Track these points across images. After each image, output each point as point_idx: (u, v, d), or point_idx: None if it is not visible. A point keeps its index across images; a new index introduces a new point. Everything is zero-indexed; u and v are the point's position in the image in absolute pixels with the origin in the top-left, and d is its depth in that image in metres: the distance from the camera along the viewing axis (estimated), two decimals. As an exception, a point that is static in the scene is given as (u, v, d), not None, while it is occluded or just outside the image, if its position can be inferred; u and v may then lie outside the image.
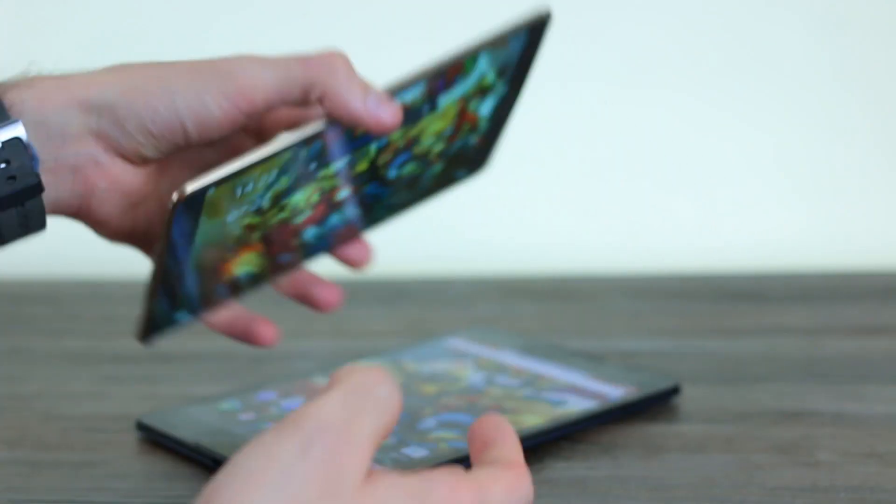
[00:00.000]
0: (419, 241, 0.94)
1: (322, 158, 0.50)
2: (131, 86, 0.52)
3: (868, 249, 0.90)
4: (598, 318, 0.81)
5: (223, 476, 0.36)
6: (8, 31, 0.96)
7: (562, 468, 0.56)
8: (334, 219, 0.55)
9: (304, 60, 0.51)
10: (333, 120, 0.50)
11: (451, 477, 0.39)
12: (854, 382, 0.66)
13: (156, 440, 0.60)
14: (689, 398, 0.64)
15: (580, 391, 0.61)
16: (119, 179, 0.52)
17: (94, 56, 0.95)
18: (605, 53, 0.90)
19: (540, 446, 0.57)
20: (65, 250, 0.97)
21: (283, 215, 0.52)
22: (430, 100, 0.51)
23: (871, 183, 0.90)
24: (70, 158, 0.50)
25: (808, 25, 0.88)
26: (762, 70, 0.90)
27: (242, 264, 0.53)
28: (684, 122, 0.91)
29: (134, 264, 0.97)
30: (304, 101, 0.51)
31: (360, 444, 0.37)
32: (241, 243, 0.52)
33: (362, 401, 0.38)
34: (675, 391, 0.62)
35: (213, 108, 0.50)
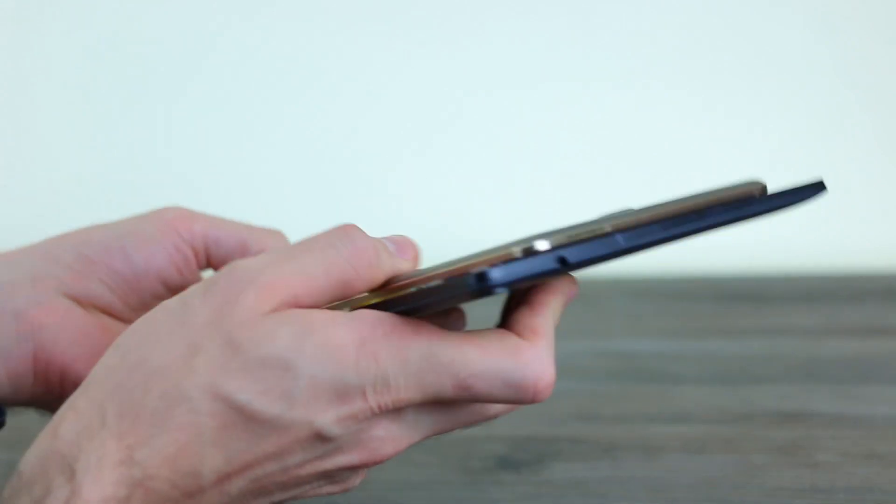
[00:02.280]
0: (419, 242, 0.94)
1: None
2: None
3: (869, 251, 0.90)
4: (600, 319, 0.81)
5: (149, 312, 0.40)
6: (8, 31, 0.96)
7: (562, 469, 0.56)
8: None
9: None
10: None
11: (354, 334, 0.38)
12: (854, 383, 0.66)
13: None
14: (689, 399, 0.64)
15: None
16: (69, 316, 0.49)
17: (93, 56, 0.96)
18: (606, 53, 0.90)
19: (540, 448, 0.57)
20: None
21: None
22: None
23: (872, 184, 0.90)
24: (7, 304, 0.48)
25: (809, 25, 0.88)
26: (765, 70, 0.90)
27: None
28: (686, 122, 0.91)
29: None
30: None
31: (265, 284, 0.38)
32: None
33: (298, 249, 0.39)
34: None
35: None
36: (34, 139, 0.98)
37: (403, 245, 0.43)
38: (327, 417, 0.37)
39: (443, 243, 0.94)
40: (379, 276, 0.40)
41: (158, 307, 0.39)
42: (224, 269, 0.39)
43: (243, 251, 0.50)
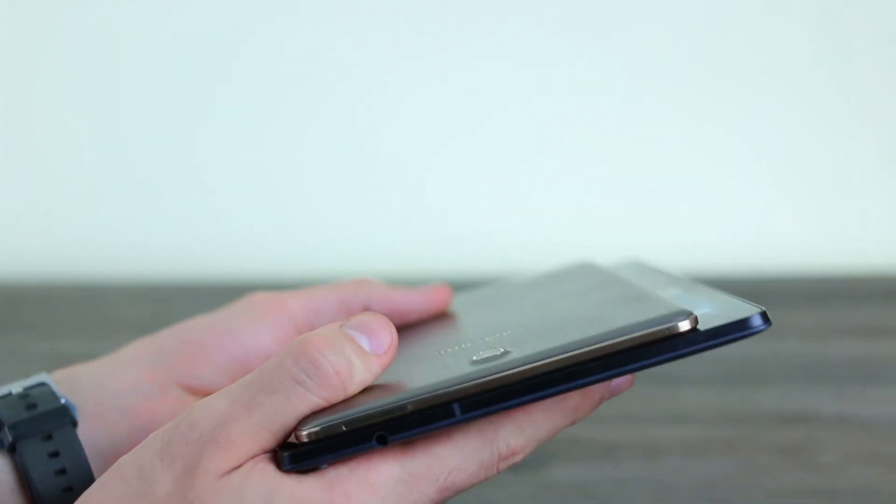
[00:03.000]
0: (419, 242, 0.94)
1: None
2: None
3: (872, 252, 0.89)
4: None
5: (103, 475, 0.37)
6: (8, 31, 0.96)
7: (562, 470, 0.56)
8: None
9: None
10: None
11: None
12: (857, 384, 0.65)
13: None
14: (690, 400, 0.64)
15: None
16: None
17: (94, 56, 0.95)
18: (606, 52, 0.90)
19: (541, 449, 0.57)
20: (62, 252, 0.97)
21: None
22: None
23: (875, 185, 0.90)
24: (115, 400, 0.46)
25: (810, 25, 0.88)
26: (766, 70, 0.89)
27: None
28: (688, 123, 0.91)
29: (131, 266, 0.97)
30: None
31: (229, 443, 0.36)
32: None
33: (260, 392, 0.36)
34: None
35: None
36: (35, 139, 0.98)
37: (378, 335, 0.38)
38: None
39: (443, 244, 0.94)
40: (352, 393, 0.37)
41: (114, 474, 0.37)
42: (182, 422, 0.37)
43: (345, 309, 0.49)
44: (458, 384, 0.36)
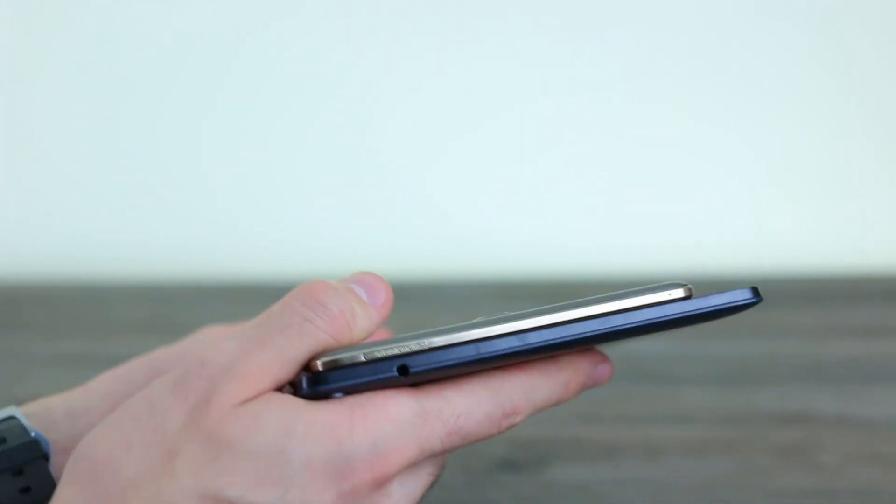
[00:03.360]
0: (419, 242, 0.94)
1: None
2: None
3: (873, 252, 0.89)
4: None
5: (109, 416, 0.37)
6: (9, 30, 0.96)
7: (562, 471, 0.56)
8: None
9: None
10: None
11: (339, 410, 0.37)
12: (858, 385, 0.65)
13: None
14: (691, 400, 0.64)
15: None
16: None
17: (94, 56, 0.95)
18: (607, 53, 0.90)
19: (541, 449, 0.57)
20: (62, 252, 0.97)
21: None
22: None
23: (875, 185, 0.90)
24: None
25: (809, 25, 0.88)
26: (766, 70, 0.89)
27: None
28: (688, 123, 0.91)
29: (131, 266, 0.97)
30: None
31: (244, 375, 0.36)
32: None
33: (271, 330, 0.37)
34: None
35: None
36: (35, 139, 0.98)
37: (375, 288, 0.41)
38: (326, 498, 0.36)
39: (444, 244, 0.94)
40: (357, 338, 0.39)
41: (123, 412, 0.37)
42: (193, 362, 0.37)
43: None
44: (477, 326, 0.39)
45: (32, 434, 0.44)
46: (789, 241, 0.91)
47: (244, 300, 0.86)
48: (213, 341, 0.38)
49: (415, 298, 0.85)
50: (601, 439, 0.59)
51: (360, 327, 0.39)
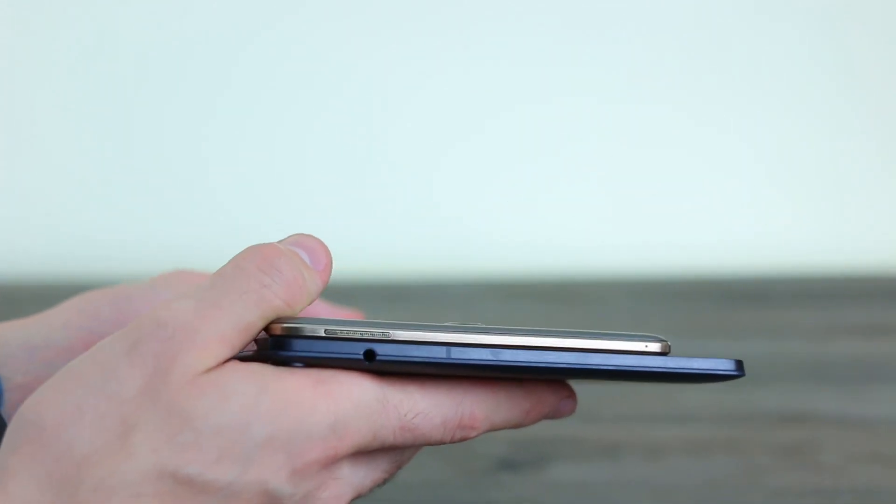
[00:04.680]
0: (419, 241, 0.94)
1: None
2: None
3: (873, 251, 0.89)
4: (602, 320, 0.80)
5: (54, 376, 0.35)
6: (10, 29, 0.96)
7: (564, 470, 0.56)
8: None
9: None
10: None
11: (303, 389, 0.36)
12: (859, 384, 0.65)
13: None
14: (691, 400, 0.64)
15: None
16: None
17: (96, 55, 0.95)
18: (607, 55, 0.90)
19: (541, 449, 0.57)
20: (62, 252, 0.97)
21: None
22: None
23: (875, 185, 0.90)
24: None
25: (809, 25, 0.88)
26: (766, 70, 0.89)
27: None
28: (688, 123, 0.91)
29: (132, 267, 0.97)
30: None
31: (203, 342, 0.34)
32: None
33: (227, 294, 0.36)
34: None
35: None
36: (35, 139, 0.98)
37: (316, 252, 0.40)
38: (280, 476, 0.35)
39: (444, 243, 0.94)
40: (307, 304, 0.38)
41: (71, 375, 0.34)
42: (147, 323, 0.35)
43: None
44: (452, 330, 0.38)
45: None
46: (789, 241, 0.91)
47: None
48: (166, 303, 0.35)
49: (415, 298, 0.85)
50: (601, 439, 0.59)
51: (312, 290, 0.38)
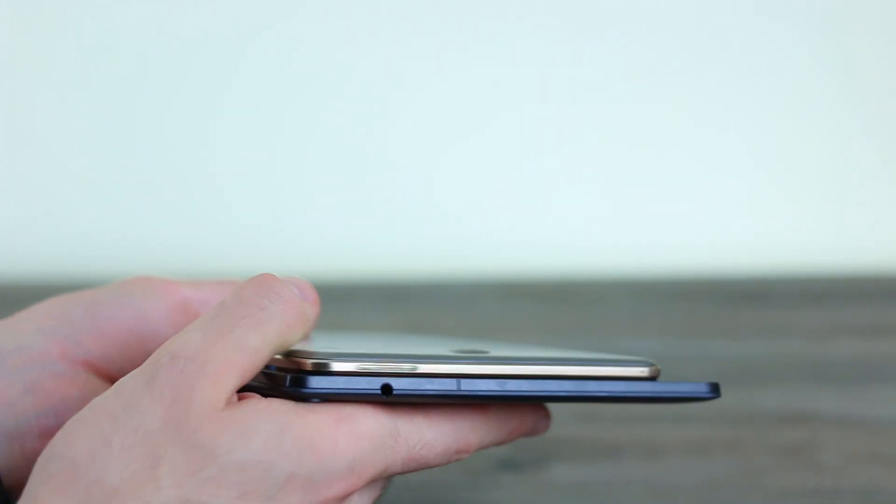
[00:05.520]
0: (419, 241, 0.93)
1: None
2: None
3: (874, 251, 0.89)
4: (602, 320, 0.80)
5: (81, 412, 0.35)
6: (10, 28, 0.96)
7: (563, 470, 0.56)
8: None
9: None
10: None
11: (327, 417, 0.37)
12: (859, 384, 0.65)
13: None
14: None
15: None
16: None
17: (97, 55, 0.95)
18: (607, 55, 0.90)
19: (541, 449, 0.57)
20: (62, 252, 0.97)
21: None
22: None
23: (875, 185, 0.90)
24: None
25: (809, 25, 0.88)
26: (766, 70, 0.89)
27: None
28: (688, 123, 0.91)
29: (133, 267, 0.97)
30: None
31: (215, 371, 0.35)
32: None
33: (230, 321, 0.36)
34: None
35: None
36: (35, 138, 0.98)
37: (304, 288, 0.41)
38: None
39: (444, 243, 0.94)
40: (307, 328, 0.39)
41: (97, 410, 0.35)
42: (162, 356, 0.36)
43: None
44: (461, 362, 0.39)
45: None
46: (789, 241, 0.91)
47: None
48: (177, 336, 0.36)
49: (415, 298, 0.85)
50: (601, 439, 0.59)
51: (310, 315, 0.39)
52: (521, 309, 0.83)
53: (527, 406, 0.43)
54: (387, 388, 0.38)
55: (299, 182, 0.95)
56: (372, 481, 0.38)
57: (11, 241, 0.98)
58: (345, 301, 0.83)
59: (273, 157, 0.95)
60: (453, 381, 0.39)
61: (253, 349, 0.36)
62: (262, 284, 0.38)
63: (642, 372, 0.41)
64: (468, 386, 0.39)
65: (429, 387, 0.38)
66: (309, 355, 0.38)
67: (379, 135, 0.94)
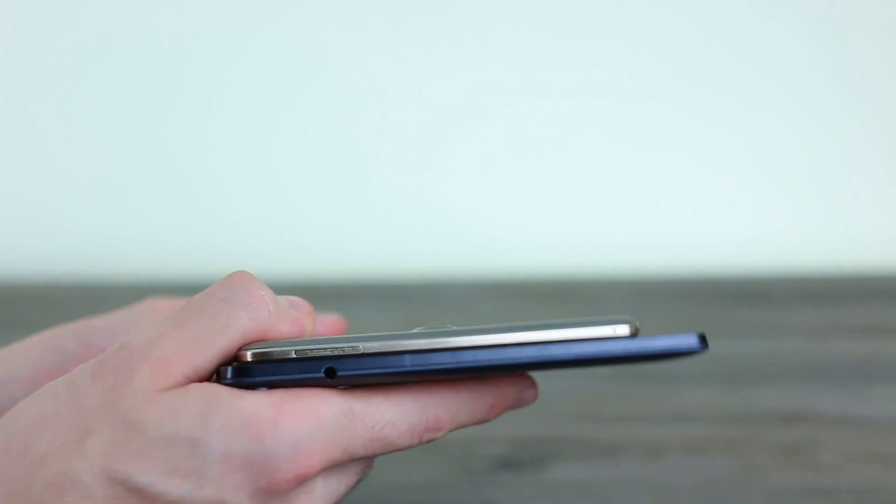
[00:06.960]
0: (419, 241, 0.94)
1: None
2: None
3: (874, 251, 0.89)
4: (601, 320, 0.80)
5: (34, 393, 0.37)
6: (10, 28, 0.96)
7: (563, 470, 0.56)
8: None
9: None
10: None
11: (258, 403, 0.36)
12: (858, 384, 0.65)
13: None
14: (691, 399, 0.64)
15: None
16: None
17: (94, 54, 0.95)
18: (606, 53, 0.90)
19: (541, 449, 0.57)
20: (62, 252, 0.97)
21: None
22: None
23: (875, 185, 0.90)
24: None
25: (810, 25, 0.88)
26: (766, 70, 0.89)
27: None
28: (688, 123, 0.91)
29: (130, 265, 0.97)
30: None
31: (160, 358, 0.36)
32: None
33: (189, 313, 0.37)
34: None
35: None
36: (35, 138, 0.98)
37: (297, 302, 0.41)
38: (240, 494, 0.36)
39: (443, 243, 0.94)
40: (281, 328, 0.39)
41: (43, 390, 0.37)
42: (115, 346, 0.37)
43: None
44: (413, 338, 0.38)
45: None
46: (789, 241, 0.91)
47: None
48: (136, 328, 0.37)
49: (415, 298, 0.85)
50: (601, 439, 0.59)
51: (286, 314, 0.39)
52: (521, 308, 0.83)
53: (504, 377, 0.41)
54: (330, 371, 0.37)
55: (299, 182, 0.95)
56: (334, 465, 0.38)
57: (11, 241, 0.98)
58: (345, 301, 0.83)
59: (273, 156, 0.95)
60: (402, 357, 0.38)
61: (207, 340, 0.36)
62: (231, 279, 0.38)
63: (620, 330, 0.39)
64: (419, 361, 0.38)
65: (376, 365, 0.38)
66: (252, 347, 0.38)
67: (378, 134, 0.94)
